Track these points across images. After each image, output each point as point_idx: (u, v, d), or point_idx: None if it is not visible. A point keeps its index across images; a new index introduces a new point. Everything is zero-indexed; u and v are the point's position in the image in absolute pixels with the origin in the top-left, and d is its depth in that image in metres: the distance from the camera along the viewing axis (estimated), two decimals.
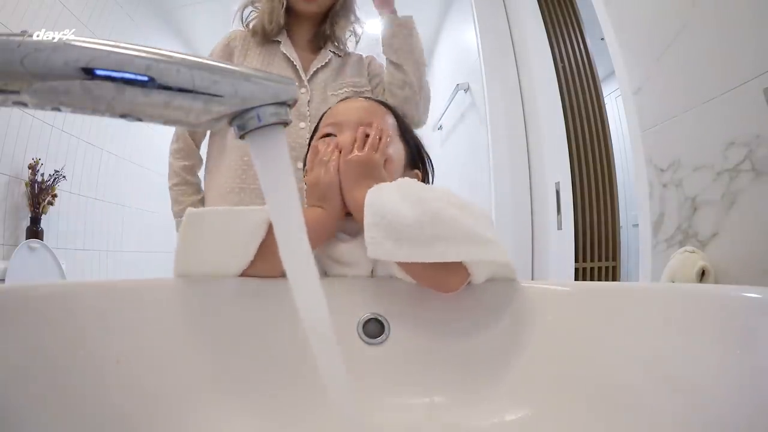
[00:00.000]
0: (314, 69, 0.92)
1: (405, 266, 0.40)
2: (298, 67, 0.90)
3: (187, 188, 0.96)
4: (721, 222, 0.69)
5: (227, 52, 0.92)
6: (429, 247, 0.36)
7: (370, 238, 0.38)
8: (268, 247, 0.40)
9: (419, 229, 0.37)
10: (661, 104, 0.83)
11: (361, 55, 1.00)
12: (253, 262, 0.40)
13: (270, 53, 0.91)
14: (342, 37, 0.98)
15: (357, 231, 0.45)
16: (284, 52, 0.90)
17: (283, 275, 0.31)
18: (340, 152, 0.47)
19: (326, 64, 0.93)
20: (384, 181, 0.45)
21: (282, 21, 0.89)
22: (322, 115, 0.56)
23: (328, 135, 0.51)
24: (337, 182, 0.46)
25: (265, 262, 0.40)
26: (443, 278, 0.39)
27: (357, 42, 1.01)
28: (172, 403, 0.33)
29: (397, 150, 0.51)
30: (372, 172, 0.45)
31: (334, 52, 0.96)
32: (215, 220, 0.40)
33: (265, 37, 0.90)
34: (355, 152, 0.46)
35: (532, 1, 1.58)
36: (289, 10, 0.92)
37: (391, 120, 0.53)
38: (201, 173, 0.99)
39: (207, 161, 0.97)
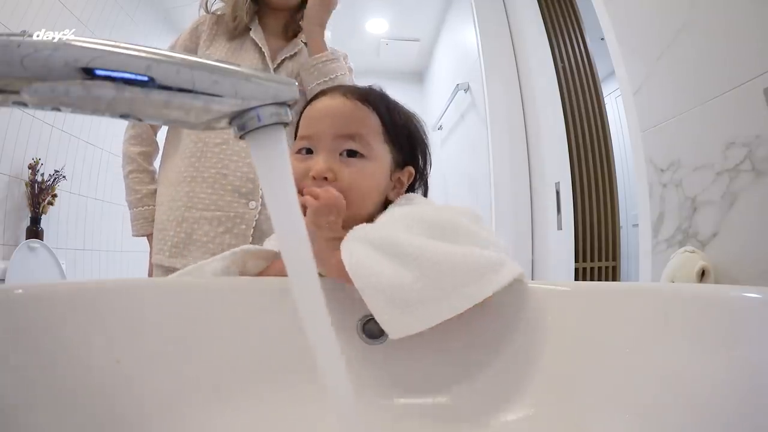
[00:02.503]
0: (282, 58, 0.89)
1: None
2: (266, 54, 0.87)
3: (144, 176, 0.90)
4: (721, 222, 0.69)
5: (195, 35, 0.89)
6: (446, 303, 0.34)
7: (385, 321, 0.34)
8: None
9: (426, 289, 0.34)
10: (661, 104, 0.83)
11: (336, 50, 0.94)
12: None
13: (240, 39, 0.89)
14: None
15: None
16: (254, 38, 0.88)
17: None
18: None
19: (295, 54, 0.90)
20: (339, 225, 0.41)
21: (245, 16, 0.87)
22: (302, 110, 0.50)
23: (306, 149, 0.47)
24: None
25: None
26: None
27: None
28: (171, 403, 0.33)
29: (381, 160, 0.48)
30: (333, 232, 0.41)
31: (306, 43, 0.90)
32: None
33: (235, 26, 0.88)
34: (315, 218, 0.40)
35: (532, 1, 1.58)
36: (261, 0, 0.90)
37: (375, 124, 0.48)
38: (157, 162, 0.94)
39: (164, 148, 0.92)
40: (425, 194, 0.55)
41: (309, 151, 0.47)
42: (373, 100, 0.49)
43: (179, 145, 0.87)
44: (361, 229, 0.39)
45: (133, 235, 0.92)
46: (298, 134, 0.49)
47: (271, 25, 0.92)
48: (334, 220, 0.41)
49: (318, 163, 0.45)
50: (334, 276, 0.39)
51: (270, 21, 0.92)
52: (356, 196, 0.44)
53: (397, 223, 0.40)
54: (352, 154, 0.46)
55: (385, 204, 0.49)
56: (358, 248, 0.37)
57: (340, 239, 0.38)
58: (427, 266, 0.34)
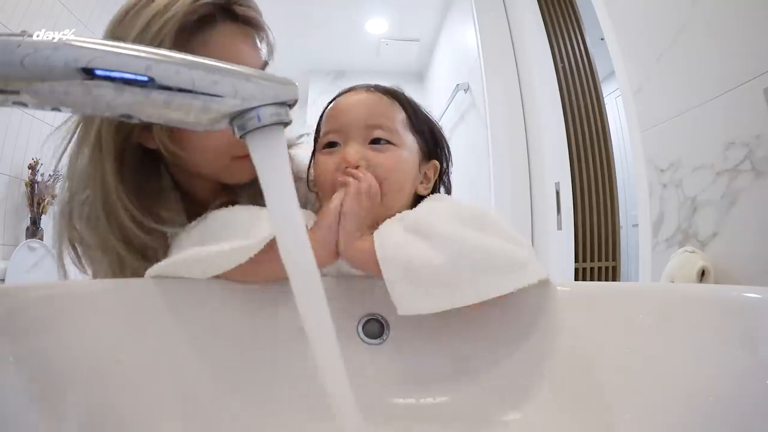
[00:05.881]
0: None
1: None
2: None
3: None
4: (721, 222, 0.69)
5: None
6: (473, 289, 0.34)
7: (399, 296, 0.35)
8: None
9: (456, 272, 0.34)
10: (661, 104, 0.83)
11: None
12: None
13: None
14: None
15: None
16: None
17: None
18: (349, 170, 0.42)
19: None
20: (378, 215, 0.41)
21: None
22: (324, 111, 0.50)
23: (331, 144, 0.46)
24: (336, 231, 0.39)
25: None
26: None
27: None
28: (172, 402, 0.33)
29: (409, 148, 0.47)
30: (368, 220, 0.40)
31: None
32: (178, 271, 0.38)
33: None
34: (357, 198, 0.40)
35: (532, 1, 1.58)
36: None
37: (400, 115, 0.48)
38: None
39: None
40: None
41: (333, 145, 0.46)
42: (396, 93, 0.50)
43: None
44: (394, 218, 0.40)
45: None
46: (322, 131, 0.48)
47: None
48: (370, 206, 0.41)
49: (349, 152, 0.44)
50: (360, 265, 0.39)
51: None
52: (392, 183, 0.43)
53: (432, 211, 0.41)
54: (381, 142, 0.45)
55: (415, 200, 0.48)
56: (391, 229, 0.38)
57: (367, 231, 0.39)
58: (456, 252, 0.35)
